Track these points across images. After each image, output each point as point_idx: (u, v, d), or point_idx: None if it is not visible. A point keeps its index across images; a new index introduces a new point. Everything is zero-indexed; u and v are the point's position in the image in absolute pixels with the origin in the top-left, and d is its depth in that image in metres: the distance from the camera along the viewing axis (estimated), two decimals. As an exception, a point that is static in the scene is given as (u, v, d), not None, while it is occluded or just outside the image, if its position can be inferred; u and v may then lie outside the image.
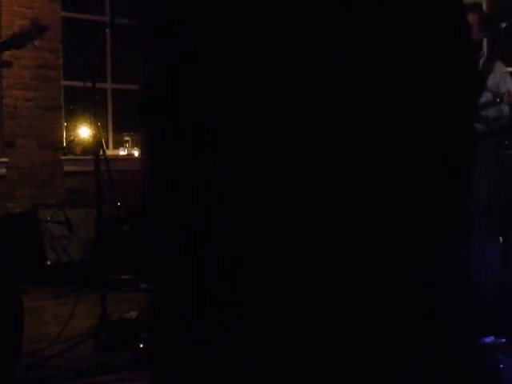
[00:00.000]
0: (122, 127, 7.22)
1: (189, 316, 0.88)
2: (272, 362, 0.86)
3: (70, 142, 6.67)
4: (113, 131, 7.21)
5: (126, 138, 7.12)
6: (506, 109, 4.92)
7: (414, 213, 0.88)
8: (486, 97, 4.90)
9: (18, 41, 3.54)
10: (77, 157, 6.57)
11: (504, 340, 3.30)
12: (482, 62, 5.02)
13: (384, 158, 0.87)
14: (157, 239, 0.91)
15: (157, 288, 0.94)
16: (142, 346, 3.29)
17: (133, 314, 3.62)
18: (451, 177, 0.91)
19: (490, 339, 3.31)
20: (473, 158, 0.96)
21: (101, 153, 3.77)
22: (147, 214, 0.93)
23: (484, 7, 6.86)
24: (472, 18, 4.99)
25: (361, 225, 0.86)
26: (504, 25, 5.15)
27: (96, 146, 3.81)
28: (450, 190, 0.91)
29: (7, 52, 5.95)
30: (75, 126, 6.76)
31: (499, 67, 5.03)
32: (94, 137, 3.85)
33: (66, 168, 6.49)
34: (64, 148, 6.59)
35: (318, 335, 0.86)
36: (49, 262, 5.54)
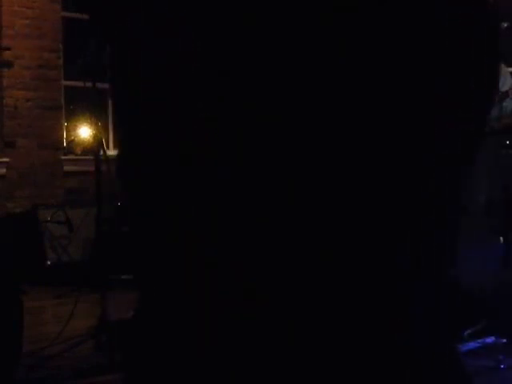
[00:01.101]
0: (122, 127, 7.22)
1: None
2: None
3: (70, 142, 6.67)
4: (113, 131, 7.22)
5: (126, 138, 7.11)
6: (509, 106, 4.93)
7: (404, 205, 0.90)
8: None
9: None
10: (77, 157, 6.57)
11: (504, 340, 3.30)
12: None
13: (380, 158, 0.88)
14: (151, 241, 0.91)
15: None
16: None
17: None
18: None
19: (490, 339, 3.31)
20: (473, 156, 0.97)
21: (101, 153, 3.77)
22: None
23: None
24: None
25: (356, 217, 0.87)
26: (505, 25, 5.16)
27: (96, 145, 3.81)
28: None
29: (8, 52, 5.97)
30: (75, 125, 6.77)
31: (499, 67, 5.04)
32: (95, 137, 3.85)
33: (66, 168, 6.49)
34: (64, 148, 6.59)
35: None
36: (49, 262, 5.54)
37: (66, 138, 6.67)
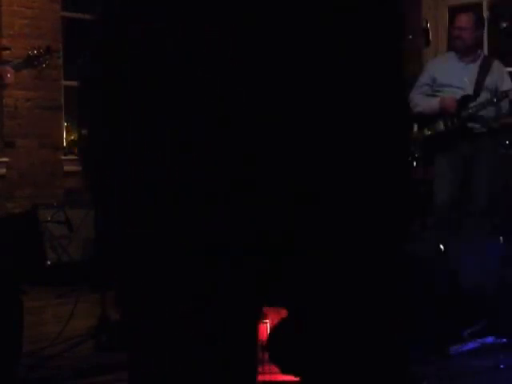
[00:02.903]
0: (121, 127, 7.21)
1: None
2: None
3: (70, 142, 6.67)
4: (113, 131, 7.21)
5: (126, 138, 7.10)
6: (505, 107, 4.93)
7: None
8: (485, 96, 4.90)
9: (32, 62, 3.71)
10: (77, 157, 6.57)
11: (504, 340, 3.30)
12: (479, 61, 5.02)
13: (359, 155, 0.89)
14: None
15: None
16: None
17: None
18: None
19: (489, 339, 3.31)
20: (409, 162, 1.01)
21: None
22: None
23: (484, 7, 6.86)
24: (467, 19, 5.01)
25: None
26: (504, 25, 5.16)
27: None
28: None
29: (7, 52, 5.96)
30: (75, 126, 6.76)
31: (497, 66, 5.03)
32: (94, 137, 3.84)
33: (66, 168, 6.49)
34: (64, 148, 6.59)
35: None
36: (49, 262, 5.54)
37: (66, 138, 6.67)
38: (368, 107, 0.91)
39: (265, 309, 2.24)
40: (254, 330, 0.93)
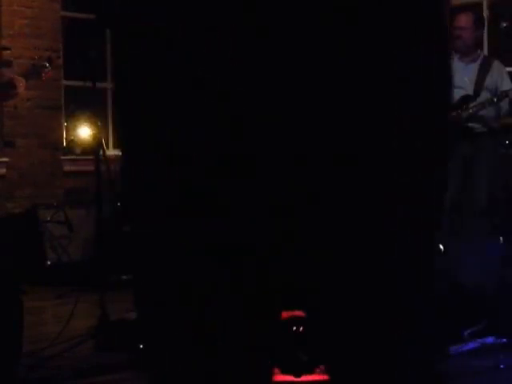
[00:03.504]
0: (122, 127, 7.20)
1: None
2: None
3: (70, 142, 6.67)
4: (113, 131, 7.21)
5: (126, 138, 7.10)
6: (504, 107, 4.93)
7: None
8: (485, 96, 4.90)
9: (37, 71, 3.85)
10: (77, 157, 6.57)
11: (504, 340, 3.29)
12: (479, 61, 5.02)
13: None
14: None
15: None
16: (141, 346, 3.29)
17: (133, 314, 3.62)
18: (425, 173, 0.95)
19: (490, 339, 3.30)
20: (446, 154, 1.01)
21: (101, 153, 3.77)
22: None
23: (484, 7, 6.86)
24: (467, 18, 5.01)
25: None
26: (504, 25, 5.16)
27: (96, 145, 3.81)
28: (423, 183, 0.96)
29: (7, 52, 5.97)
30: (75, 126, 6.76)
31: (497, 66, 5.04)
32: (94, 137, 3.85)
33: (66, 168, 6.49)
34: (64, 148, 6.59)
35: None
36: (49, 262, 5.54)
37: (66, 138, 6.67)
38: (368, 108, 0.92)
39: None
40: (259, 330, 0.93)
